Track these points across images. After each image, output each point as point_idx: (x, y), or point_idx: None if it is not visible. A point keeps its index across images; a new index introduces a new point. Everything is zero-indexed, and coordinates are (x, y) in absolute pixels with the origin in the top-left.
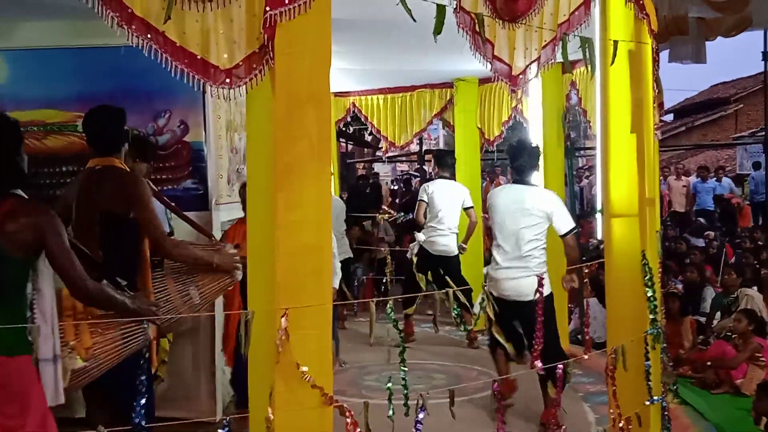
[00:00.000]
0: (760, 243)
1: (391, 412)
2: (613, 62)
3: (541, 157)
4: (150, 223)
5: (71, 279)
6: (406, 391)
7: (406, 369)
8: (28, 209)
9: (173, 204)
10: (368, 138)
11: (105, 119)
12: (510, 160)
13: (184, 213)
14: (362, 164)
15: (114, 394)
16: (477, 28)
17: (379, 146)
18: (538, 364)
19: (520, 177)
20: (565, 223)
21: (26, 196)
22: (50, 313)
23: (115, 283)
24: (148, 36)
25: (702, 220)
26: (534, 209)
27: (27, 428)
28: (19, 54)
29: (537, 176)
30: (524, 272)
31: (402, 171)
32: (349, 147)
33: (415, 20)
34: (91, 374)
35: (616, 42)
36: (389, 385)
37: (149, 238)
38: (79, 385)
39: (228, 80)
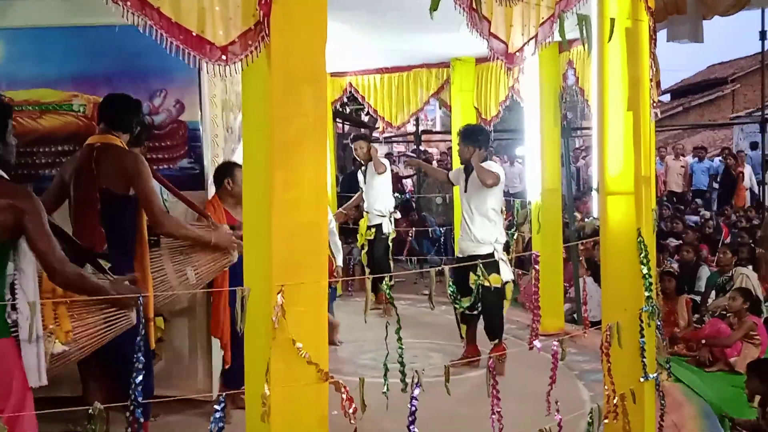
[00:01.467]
0: (754, 222)
1: (385, 389)
2: (610, 39)
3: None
4: (149, 201)
5: (49, 263)
6: (402, 368)
7: (402, 348)
8: (6, 190)
9: (169, 183)
10: (365, 118)
11: (128, 103)
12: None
13: (180, 192)
14: None
15: (113, 372)
16: (474, 5)
17: (376, 127)
18: (537, 344)
19: None
20: None
21: (6, 177)
22: (33, 293)
23: (97, 265)
24: (143, 12)
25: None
26: None
27: (6, 412)
28: (14, 33)
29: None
30: None
31: (398, 152)
32: (346, 128)
33: None
34: (71, 358)
35: (612, 19)
36: (385, 361)
37: (148, 216)
38: (58, 368)
39: (224, 57)
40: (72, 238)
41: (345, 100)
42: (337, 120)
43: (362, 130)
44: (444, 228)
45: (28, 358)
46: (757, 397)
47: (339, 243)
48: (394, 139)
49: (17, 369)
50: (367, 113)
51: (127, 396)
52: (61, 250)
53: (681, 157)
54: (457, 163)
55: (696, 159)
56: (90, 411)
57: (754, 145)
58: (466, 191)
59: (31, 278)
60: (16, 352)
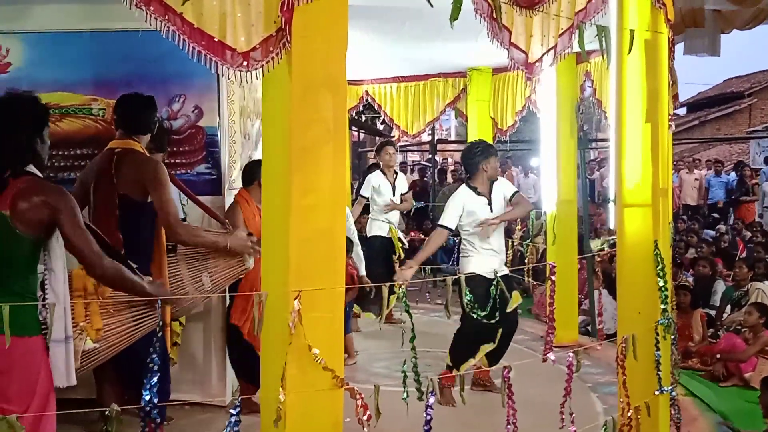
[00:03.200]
0: None
1: (405, 395)
2: (630, 51)
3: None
4: (165, 210)
5: (87, 258)
6: (417, 377)
7: (417, 358)
8: (42, 188)
9: (187, 189)
10: (380, 127)
11: (138, 103)
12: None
13: (198, 198)
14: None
15: (128, 374)
16: (494, 15)
17: (392, 135)
18: (551, 356)
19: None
20: None
21: (41, 175)
22: (63, 293)
23: (127, 266)
24: (166, 17)
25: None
26: None
27: (28, 412)
28: (35, 37)
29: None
30: None
31: (413, 161)
32: (361, 136)
33: (432, 5)
34: (101, 356)
35: (632, 31)
36: (404, 368)
37: (163, 223)
38: (89, 366)
39: (245, 63)
40: (102, 237)
41: (361, 108)
42: (353, 128)
43: (378, 138)
44: (457, 237)
45: (56, 358)
46: None
47: (361, 253)
48: (408, 148)
49: (43, 370)
50: (383, 122)
51: (140, 399)
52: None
53: (695, 171)
54: None
55: (713, 173)
56: (106, 413)
57: None
58: (492, 211)
59: (61, 278)
60: (44, 351)
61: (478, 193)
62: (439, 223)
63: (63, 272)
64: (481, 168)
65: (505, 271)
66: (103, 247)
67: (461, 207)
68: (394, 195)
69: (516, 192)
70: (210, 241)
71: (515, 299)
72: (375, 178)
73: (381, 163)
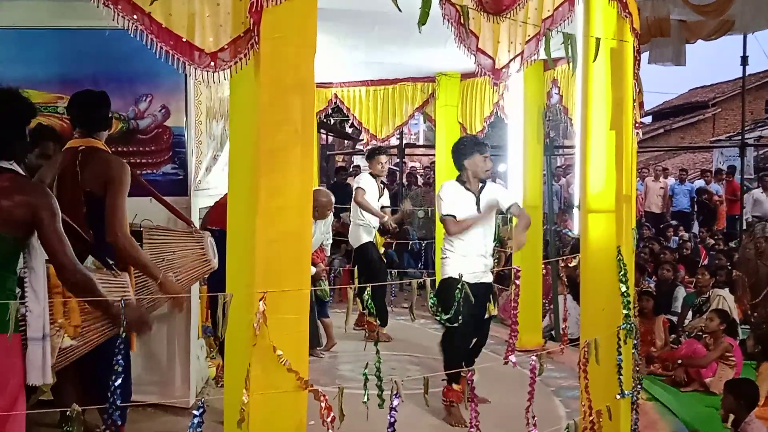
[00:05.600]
0: (732, 245)
1: (366, 398)
2: (595, 59)
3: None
4: (114, 212)
5: (59, 262)
6: (379, 382)
7: (381, 360)
8: (24, 186)
9: (153, 189)
10: (349, 130)
11: (94, 101)
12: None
13: (164, 198)
14: (342, 157)
15: (91, 374)
16: (462, 20)
17: (360, 138)
18: (512, 358)
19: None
20: None
21: (23, 173)
22: (42, 291)
23: (105, 262)
24: (134, 17)
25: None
26: None
27: None
28: (1, 33)
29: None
30: None
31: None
32: (330, 139)
33: (400, 10)
34: (77, 352)
35: (598, 39)
36: (365, 371)
37: (108, 225)
38: (64, 362)
39: (213, 63)
40: (80, 233)
41: (329, 111)
42: (322, 131)
43: (346, 141)
44: (425, 242)
45: (34, 355)
46: (731, 417)
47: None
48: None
49: (17, 367)
50: (352, 125)
51: (99, 400)
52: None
53: (660, 179)
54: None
55: (677, 181)
56: (68, 413)
57: (732, 169)
58: (479, 211)
59: (41, 278)
60: (20, 349)
61: (467, 189)
62: (444, 213)
63: (42, 271)
64: (465, 164)
65: (489, 277)
66: (78, 242)
67: (453, 196)
68: (378, 202)
69: (514, 203)
70: (143, 263)
71: (490, 310)
72: (369, 185)
73: (372, 170)
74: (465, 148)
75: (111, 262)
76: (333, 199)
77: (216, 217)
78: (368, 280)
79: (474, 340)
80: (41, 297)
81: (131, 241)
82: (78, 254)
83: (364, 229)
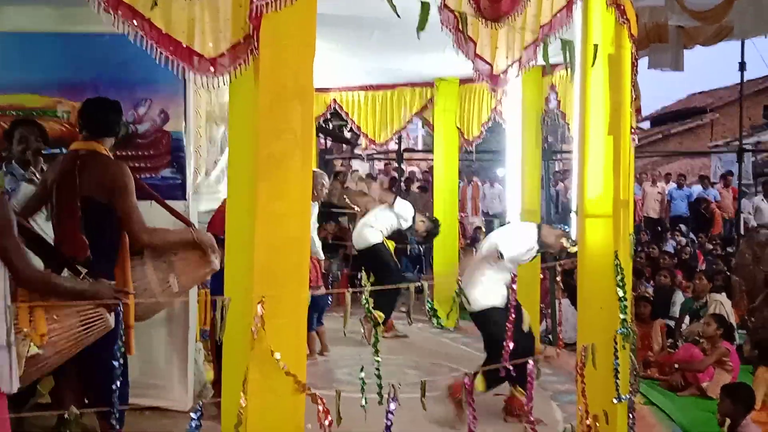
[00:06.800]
0: (729, 250)
1: (363, 402)
2: (593, 65)
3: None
4: (129, 215)
5: (14, 267)
6: (379, 381)
7: (379, 360)
8: None
9: (154, 192)
10: (347, 135)
11: (108, 107)
12: None
13: (165, 201)
14: (341, 161)
15: (89, 376)
16: (460, 27)
17: (358, 143)
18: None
19: None
20: None
21: None
22: (2, 299)
23: (74, 270)
24: (134, 22)
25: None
26: None
27: None
28: (1, 37)
29: None
30: None
31: (379, 170)
32: (328, 143)
33: (399, 16)
34: (49, 362)
35: (596, 45)
36: (362, 375)
37: (126, 230)
38: (37, 372)
39: (212, 69)
40: (47, 243)
41: (328, 116)
42: (320, 135)
43: (345, 146)
44: (423, 246)
45: None
46: (728, 421)
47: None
48: (375, 156)
49: None
50: (350, 129)
51: (96, 403)
52: (34, 255)
53: (658, 184)
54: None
55: (675, 186)
56: (66, 416)
57: (729, 173)
58: None
59: (2, 281)
60: None
61: None
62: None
63: (3, 278)
64: None
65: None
66: (45, 251)
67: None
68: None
69: None
70: (177, 238)
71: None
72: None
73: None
74: None
75: (84, 271)
76: (327, 180)
77: (217, 224)
78: (384, 279)
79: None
80: (1, 304)
81: (155, 233)
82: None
83: (374, 231)
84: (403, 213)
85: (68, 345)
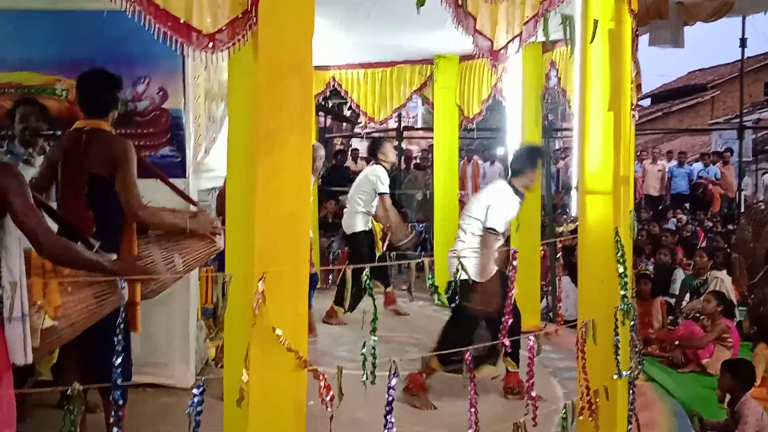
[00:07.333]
0: (730, 227)
1: (364, 378)
2: (592, 40)
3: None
4: (128, 190)
5: (35, 236)
6: (373, 360)
7: (375, 339)
8: None
9: (159, 170)
10: (347, 113)
11: (102, 82)
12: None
13: (168, 179)
14: (340, 140)
15: (92, 353)
16: (460, 2)
17: (358, 122)
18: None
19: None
20: None
21: None
22: (18, 271)
23: (87, 244)
24: None
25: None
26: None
27: None
28: None
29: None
30: None
31: None
32: (328, 122)
33: None
34: (63, 334)
35: (596, 20)
36: (363, 351)
37: (124, 205)
38: (52, 344)
39: (211, 45)
40: (61, 217)
41: (328, 93)
42: (320, 114)
43: (344, 124)
44: (423, 224)
45: (12, 335)
46: (728, 397)
47: None
48: (375, 134)
49: None
50: (350, 108)
51: (100, 380)
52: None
53: (658, 162)
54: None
55: (676, 163)
56: (68, 392)
57: (730, 152)
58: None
59: (16, 256)
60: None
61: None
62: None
63: (18, 250)
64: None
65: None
66: (60, 225)
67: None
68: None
69: None
70: (170, 223)
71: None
72: (384, 174)
73: (383, 160)
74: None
75: (97, 244)
76: (323, 153)
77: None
78: (354, 272)
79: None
80: (17, 276)
81: (151, 211)
82: (74, 235)
83: (361, 217)
84: (377, 176)
85: (82, 317)
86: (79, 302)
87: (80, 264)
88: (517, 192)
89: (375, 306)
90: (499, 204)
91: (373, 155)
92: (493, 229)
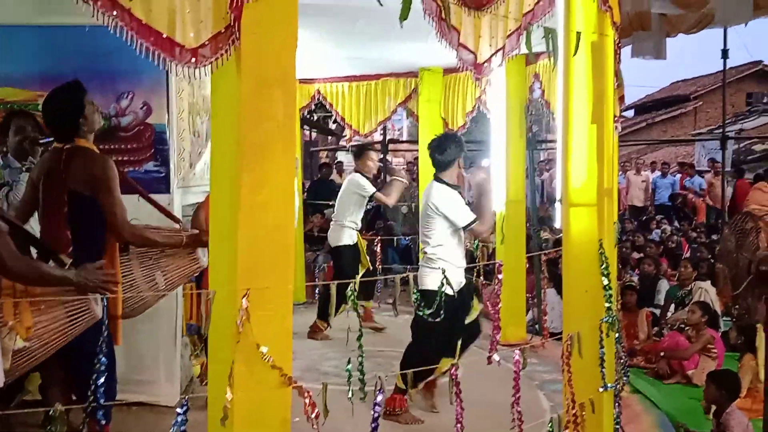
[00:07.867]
0: (714, 238)
1: (350, 394)
2: (575, 53)
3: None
4: (112, 209)
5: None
6: (362, 377)
7: (363, 355)
8: None
9: (140, 187)
10: (332, 126)
11: (62, 107)
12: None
13: (150, 196)
14: (326, 153)
15: (74, 371)
16: (443, 15)
17: (343, 135)
18: (495, 357)
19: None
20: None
21: None
22: None
23: (59, 262)
24: (114, 13)
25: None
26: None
27: None
28: None
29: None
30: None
31: None
32: (313, 135)
33: (381, 5)
34: (36, 355)
35: (578, 33)
36: (348, 367)
37: (109, 224)
38: (25, 366)
39: (194, 59)
40: (32, 235)
41: (313, 107)
42: (305, 127)
43: (330, 138)
44: (409, 237)
45: None
46: (713, 408)
47: None
48: None
49: None
50: (335, 121)
51: (83, 399)
52: (16, 247)
53: (642, 172)
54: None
55: (659, 174)
56: (50, 412)
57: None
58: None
59: None
60: None
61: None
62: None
63: None
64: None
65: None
66: (30, 244)
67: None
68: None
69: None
70: (160, 242)
71: (475, 308)
72: (364, 181)
73: (362, 169)
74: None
75: (69, 261)
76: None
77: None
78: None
79: (459, 342)
80: None
81: (137, 230)
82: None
83: (346, 231)
84: (357, 185)
85: (55, 337)
86: (52, 321)
87: (46, 281)
88: (451, 186)
89: (361, 321)
90: (451, 203)
91: (355, 163)
92: (470, 222)
